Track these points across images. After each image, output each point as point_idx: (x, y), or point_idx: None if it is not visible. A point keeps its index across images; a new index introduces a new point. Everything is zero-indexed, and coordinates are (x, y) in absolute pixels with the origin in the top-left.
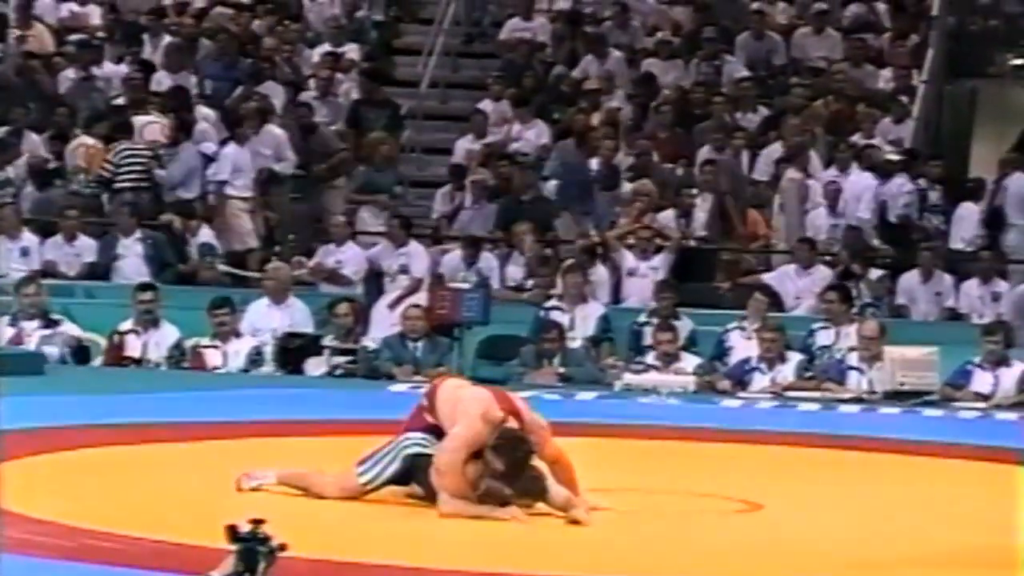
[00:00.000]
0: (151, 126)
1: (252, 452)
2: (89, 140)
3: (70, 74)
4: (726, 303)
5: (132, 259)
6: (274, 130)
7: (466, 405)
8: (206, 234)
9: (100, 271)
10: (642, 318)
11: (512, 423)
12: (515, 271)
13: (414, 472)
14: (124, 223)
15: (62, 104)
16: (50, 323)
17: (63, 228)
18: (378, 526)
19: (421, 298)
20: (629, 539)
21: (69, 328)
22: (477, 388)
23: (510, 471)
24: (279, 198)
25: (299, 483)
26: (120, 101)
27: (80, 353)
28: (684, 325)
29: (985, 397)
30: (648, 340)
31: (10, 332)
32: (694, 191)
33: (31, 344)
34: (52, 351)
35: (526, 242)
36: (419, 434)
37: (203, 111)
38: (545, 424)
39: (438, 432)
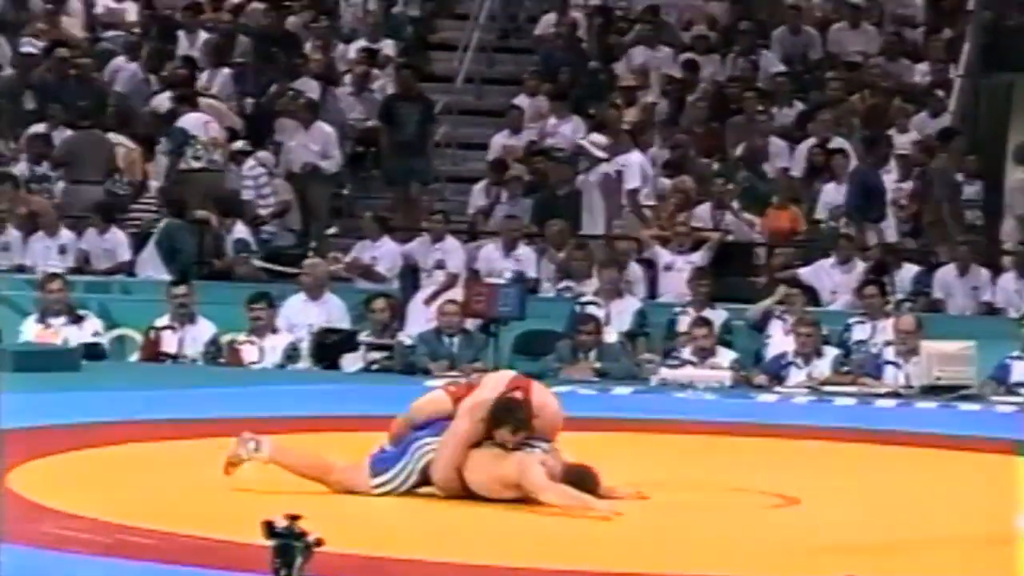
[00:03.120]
0: (211, 124)
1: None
2: (129, 143)
3: (122, 63)
4: (763, 297)
5: (149, 249)
6: (324, 127)
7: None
8: (241, 230)
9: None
10: (678, 308)
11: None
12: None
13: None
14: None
15: (104, 102)
16: (76, 319)
17: (94, 223)
18: (413, 521)
19: (457, 293)
20: (665, 534)
21: (93, 323)
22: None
23: (520, 430)
24: (321, 194)
25: (296, 462)
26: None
27: (92, 349)
28: (718, 315)
29: None
30: (682, 328)
31: (38, 328)
32: (729, 185)
33: (58, 340)
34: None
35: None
36: (430, 437)
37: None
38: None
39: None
